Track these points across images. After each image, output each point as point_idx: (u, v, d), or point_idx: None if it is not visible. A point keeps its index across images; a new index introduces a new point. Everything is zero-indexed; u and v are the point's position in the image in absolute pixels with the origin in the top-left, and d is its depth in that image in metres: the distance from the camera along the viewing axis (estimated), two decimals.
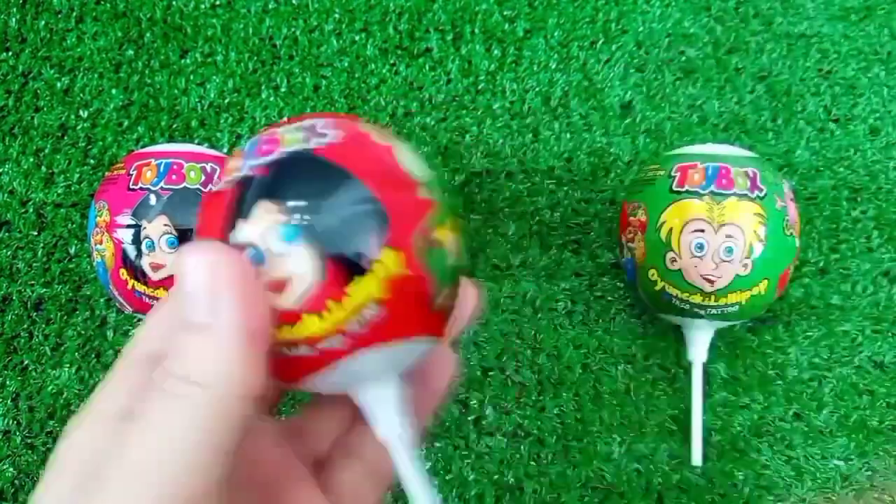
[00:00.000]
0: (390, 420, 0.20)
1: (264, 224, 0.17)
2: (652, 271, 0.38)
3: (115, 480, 0.15)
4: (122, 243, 0.36)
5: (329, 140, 0.18)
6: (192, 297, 0.16)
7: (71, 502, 0.16)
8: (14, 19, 0.48)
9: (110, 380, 0.18)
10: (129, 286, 0.36)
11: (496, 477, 0.41)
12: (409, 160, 0.19)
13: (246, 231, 0.17)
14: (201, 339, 0.16)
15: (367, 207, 0.17)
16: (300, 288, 0.17)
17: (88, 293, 0.43)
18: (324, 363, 0.18)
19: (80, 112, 0.46)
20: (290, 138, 0.18)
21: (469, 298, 0.21)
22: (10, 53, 0.48)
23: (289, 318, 0.17)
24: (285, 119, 0.19)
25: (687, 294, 0.37)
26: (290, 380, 0.19)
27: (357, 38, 0.49)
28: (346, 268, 0.17)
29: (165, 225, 0.35)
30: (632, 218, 0.39)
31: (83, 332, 0.43)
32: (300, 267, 0.17)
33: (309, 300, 0.17)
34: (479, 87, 0.48)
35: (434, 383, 0.22)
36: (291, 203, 0.17)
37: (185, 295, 0.17)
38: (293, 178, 0.17)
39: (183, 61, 0.48)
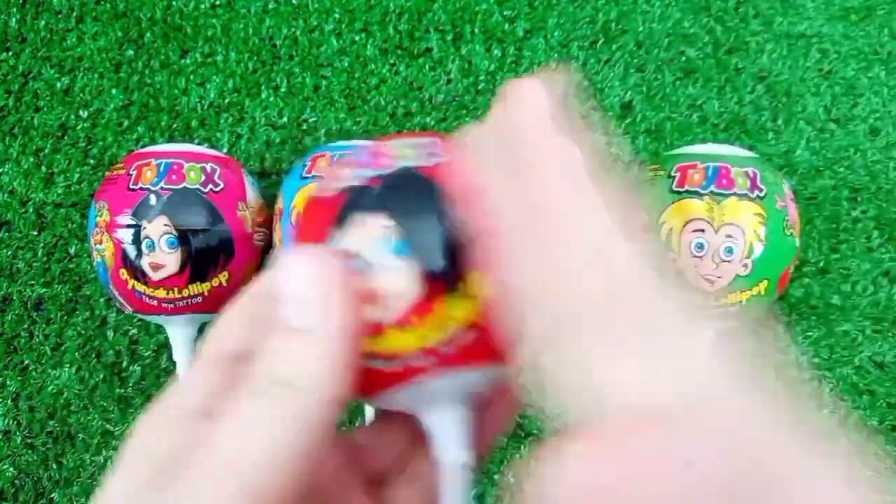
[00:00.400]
0: (455, 446, 0.20)
1: (366, 235, 0.17)
2: None
3: (198, 474, 0.15)
4: (122, 243, 0.36)
5: (439, 160, 0.18)
6: (290, 300, 0.17)
7: (147, 497, 0.16)
8: (14, 19, 0.48)
9: (187, 377, 0.18)
10: (129, 286, 0.36)
11: (496, 477, 0.41)
12: None
13: (347, 239, 0.18)
14: (296, 341, 0.16)
15: (467, 230, 0.18)
16: (393, 301, 0.17)
17: (88, 293, 0.43)
18: (404, 379, 0.18)
19: (80, 112, 0.46)
20: (401, 153, 0.18)
21: None
22: (10, 53, 0.48)
23: (377, 330, 0.18)
24: (399, 133, 0.20)
25: None
26: (366, 392, 0.19)
27: (357, 38, 0.49)
28: (445, 287, 0.17)
29: (165, 225, 0.35)
30: None
31: (83, 332, 0.43)
32: (395, 281, 0.17)
33: (400, 314, 0.17)
34: (479, 87, 0.48)
35: (498, 412, 0.22)
36: (396, 217, 0.17)
37: (283, 297, 0.17)
38: (399, 193, 0.18)
39: (183, 61, 0.48)
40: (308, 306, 0.16)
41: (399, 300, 0.17)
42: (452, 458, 0.20)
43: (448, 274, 0.17)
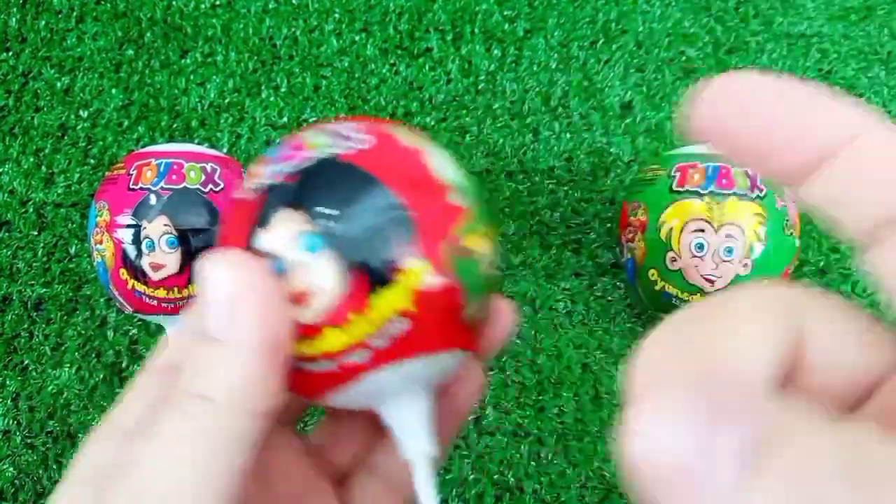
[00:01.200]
0: (417, 439, 0.19)
1: (286, 233, 0.16)
2: (652, 271, 0.38)
3: (123, 496, 0.15)
4: (122, 243, 0.36)
5: (355, 145, 0.17)
6: (209, 308, 0.16)
7: None
8: (14, 19, 0.48)
9: (128, 392, 0.17)
10: (129, 286, 0.36)
11: (496, 477, 0.41)
12: (441, 164, 0.18)
13: (267, 240, 0.17)
14: (216, 352, 0.16)
15: (392, 215, 0.17)
16: (322, 300, 0.16)
17: (88, 293, 0.43)
18: (346, 378, 0.17)
19: (80, 112, 0.46)
20: (316, 143, 0.17)
21: (503, 315, 0.20)
22: (10, 53, 0.48)
23: (309, 331, 0.17)
24: (314, 122, 0.19)
25: (687, 294, 0.37)
26: (309, 395, 0.18)
27: (357, 38, 0.49)
28: (371, 279, 0.16)
29: (165, 225, 0.35)
30: (632, 218, 0.39)
31: (83, 332, 0.43)
32: (322, 278, 0.16)
33: (331, 313, 0.16)
34: (479, 87, 0.48)
35: (459, 400, 0.21)
36: (313, 211, 0.16)
37: (203, 304, 0.16)
38: (317, 185, 0.17)
39: (183, 61, 0.48)
40: (225, 314, 0.16)
41: (322, 298, 0.16)
42: (414, 451, 0.19)
43: (373, 264, 0.16)
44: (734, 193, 0.36)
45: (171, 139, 0.46)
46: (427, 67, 0.48)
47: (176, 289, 0.36)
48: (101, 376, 0.42)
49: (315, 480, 0.21)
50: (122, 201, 0.36)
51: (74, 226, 0.44)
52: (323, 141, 0.17)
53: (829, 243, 0.45)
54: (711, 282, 0.36)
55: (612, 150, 0.47)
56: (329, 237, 0.16)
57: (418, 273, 0.16)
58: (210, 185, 0.37)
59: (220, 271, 0.16)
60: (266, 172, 0.18)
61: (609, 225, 0.45)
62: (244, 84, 0.47)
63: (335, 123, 0.18)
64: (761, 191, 0.36)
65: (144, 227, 0.35)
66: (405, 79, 0.48)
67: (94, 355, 0.42)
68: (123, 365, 0.42)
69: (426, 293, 0.17)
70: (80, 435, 0.41)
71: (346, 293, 0.16)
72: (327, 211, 0.16)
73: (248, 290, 0.16)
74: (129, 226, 0.36)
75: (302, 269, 0.16)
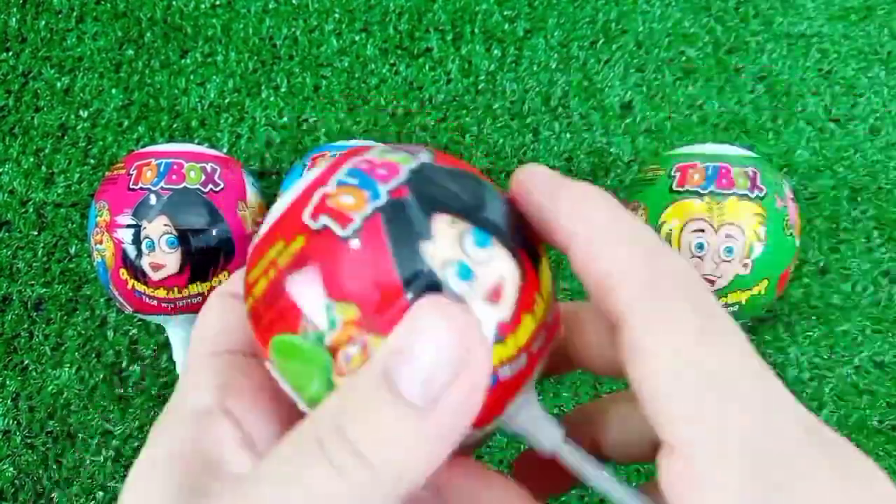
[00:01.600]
0: (552, 425, 0.18)
1: (452, 236, 0.16)
2: None
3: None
4: (122, 243, 0.36)
5: (429, 153, 0.18)
6: (414, 364, 0.14)
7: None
8: (14, 19, 0.48)
9: (189, 376, 0.17)
10: (129, 286, 0.36)
11: None
12: None
13: (437, 250, 0.15)
14: (404, 416, 0.14)
15: (506, 202, 0.18)
16: (512, 289, 0.16)
17: (88, 293, 0.43)
18: (527, 375, 0.17)
19: (80, 112, 0.46)
20: (399, 158, 0.17)
21: None
22: (10, 53, 0.48)
23: (509, 328, 0.16)
24: (345, 153, 0.18)
25: None
26: (489, 414, 0.17)
27: (357, 38, 0.49)
28: (531, 258, 0.17)
29: (165, 225, 0.35)
30: None
31: (83, 332, 0.43)
32: (505, 267, 0.16)
33: (522, 298, 0.16)
34: (479, 87, 0.48)
35: None
36: (461, 209, 0.16)
37: (407, 356, 0.14)
38: (440, 188, 0.16)
39: (183, 61, 0.48)
40: (433, 385, 0.14)
41: (513, 287, 0.16)
42: (557, 439, 0.18)
43: (527, 244, 0.17)
44: (734, 193, 0.36)
45: (171, 139, 0.46)
46: (427, 67, 0.48)
47: (176, 289, 0.36)
48: (101, 376, 0.42)
49: None
50: (122, 201, 0.36)
51: (74, 226, 0.44)
52: (397, 156, 0.17)
53: (829, 243, 0.45)
54: (712, 282, 0.36)
55: (612, 150, 0.47)
56: (490, 228, 0.16)
57: (544, 247, 0.18)
58: (210, 185, 0.37)
59: (440, 329, 0.14)
60: (371, 196, 0.16)
61: None
62: (244, 84, 0.47)
63: (375, 149, 0.18)
64: (761, 191, 0.36)
65: (144, 227, 0.35)
66: (405, 79, 0.48)
67: (94, 355, 0.42)
68: (123, 365, 0.42)
69: (550, 266, 0.18)
70: (80, 435, 0.41)
71: (524, 275, 0.16)
72: (475, 205, 0.16)
73: (465, 366, 0.14)
74: (129, 226, 0.36)
75: (486, 265, 0.16)
